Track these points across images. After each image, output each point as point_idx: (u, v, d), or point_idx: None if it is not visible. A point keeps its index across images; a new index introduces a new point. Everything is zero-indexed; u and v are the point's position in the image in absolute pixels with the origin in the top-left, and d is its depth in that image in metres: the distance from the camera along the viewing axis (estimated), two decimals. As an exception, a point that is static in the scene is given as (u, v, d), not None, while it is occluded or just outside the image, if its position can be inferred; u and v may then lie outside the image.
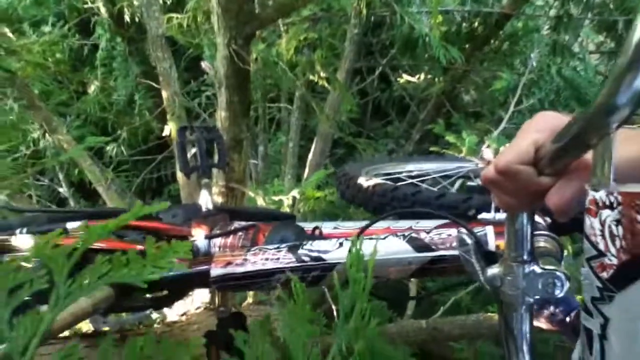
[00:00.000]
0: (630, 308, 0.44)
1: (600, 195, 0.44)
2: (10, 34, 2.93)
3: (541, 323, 0.75)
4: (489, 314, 2.00)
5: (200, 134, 1.18)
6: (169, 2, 3.10)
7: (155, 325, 1.69)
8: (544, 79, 2.97)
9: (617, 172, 0.46)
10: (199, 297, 1.76)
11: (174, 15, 2.81)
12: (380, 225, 0.95)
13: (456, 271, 0.79)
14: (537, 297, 0.57)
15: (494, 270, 0.59)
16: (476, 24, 3.36)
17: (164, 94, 2.14)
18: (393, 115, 3.96)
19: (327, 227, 1.04)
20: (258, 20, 1.57)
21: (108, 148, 3.20)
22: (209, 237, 1.04)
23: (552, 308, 0.74)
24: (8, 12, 3.33)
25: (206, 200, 1.14)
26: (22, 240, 0.93)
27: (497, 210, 0.90)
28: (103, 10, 3.25)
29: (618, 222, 0.43)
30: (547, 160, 0.51)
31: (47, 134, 2.86)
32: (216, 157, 1.31)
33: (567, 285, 0.55)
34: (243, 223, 1.08)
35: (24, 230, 1.00)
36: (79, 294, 0.48)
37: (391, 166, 1.33)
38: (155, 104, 3.25)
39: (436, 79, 3.46)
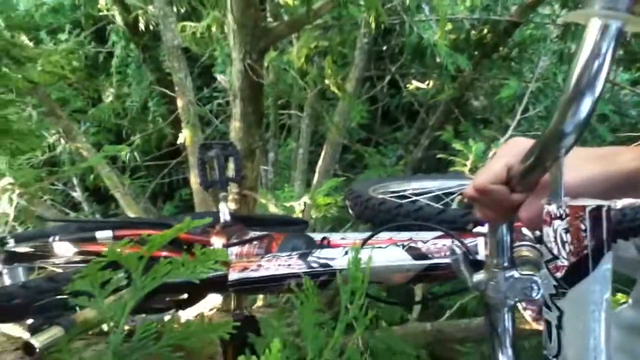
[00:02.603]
0: (579, 301, 0.54)
1: (552, 208, 0.53)
2: (28, 42, 3.01)
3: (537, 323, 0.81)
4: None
5: (219, 150, 1.25)
6: (182, 11, 3.17)
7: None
8: (550, 87, 3.01)
9: (577, 189, 0.56)
10: (212, 301, 1.82)
11: (188, 23, 2.88)
12: (384, 236, 1.01)
13: (449, 277, 0.86)
14: (517, 299, 0.64)
15: (479, 276, 0.67)
16: (485, 31, 3.40)
17: (179, 102, 2.21)
18: (402, 120, 4.00)
19: (334, 237, 1.10)
20: (272, 35, 1.63)
21: (122, 154, 3.27)
22: (227, 246, 1.11)
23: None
24: (25, 21, 3.41)
25: (224, 211, 1.20)
26: (60, 247, 1.01)
27: None
28: (118, 18, 3.32)
29: (567, 230, 0.53)
30: (517, 179, 0.59)
31: (62, 140, 2.93)
32: (231, 172, 1.38)
33: (542, 288, 0.61)
34: (258, 233, 1.14)
35: (57, 237, 1.07)
36: (150, 286, 0.56)
37: (396, 184, 1.39)
38: (169, 111, 3.31)
39: (445, 86, 3.51)
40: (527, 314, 0.77)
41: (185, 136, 2.26)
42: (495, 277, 0.64)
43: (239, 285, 0.96)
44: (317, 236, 1.12)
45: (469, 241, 0.85)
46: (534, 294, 0.61)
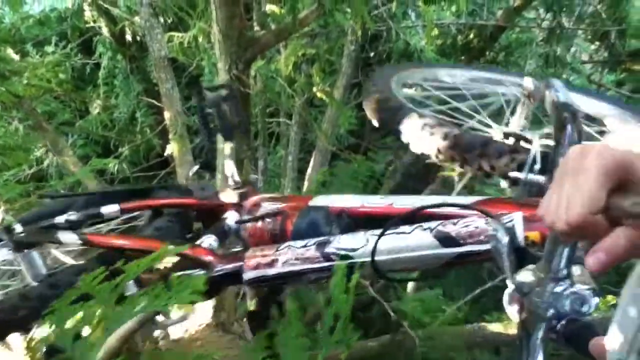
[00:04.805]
0: None
1: None
2: (13, 55, 2.99)
3: None
4: (484, 323, 2.06)
5: (218, 97, 1.17)
6: (169, 21, 3.16)
7: (160, 342, 1.72)
8: (537, 91, 3.03)
9: None
10: (200, 316, 1.79)
11: (175, 34, 2.87)
12: (406, 201, 0.94)
13: (484, 261, 0.78)
14: (561, 312, 0.56)
15: (526, 276, 0.59)
16: (471, 36, 3.42)
17: (167, 114, 2.20)
18: (391, 126, 4.00)
19: (353, 203, 1.02)
20: (258, 45, 1.63)
21: (110, 165, 3.25)
22: (239, 222, 1.07)
23: None
24: (11, 33, 3.40)
25: (232, 171, 1.15)
26: (67, 237, 1.01)
27: (530, 170, 0.90)
28: (105, 29, 3.31)
29: None
30: (623, 214, 0.43)
31: (49, 153, 2.91)
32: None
33: (594, 307, 0.55)
34: (271, 207, 1.07)
35: (63, 218, 1.08)
36: (123, 321, 0.56)
37: (423, 73, 1.29)
38: (156, 121, 3.30)
39: (433, 91, 3.51)
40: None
41: (172, 148, 2.24)
42: (545, 284, 0.56)
43: (255, 283, 0.91)
44: (334, 202, 1.01)
45: (504, 218, 0.71)
46: (584, 309, 0.55)
